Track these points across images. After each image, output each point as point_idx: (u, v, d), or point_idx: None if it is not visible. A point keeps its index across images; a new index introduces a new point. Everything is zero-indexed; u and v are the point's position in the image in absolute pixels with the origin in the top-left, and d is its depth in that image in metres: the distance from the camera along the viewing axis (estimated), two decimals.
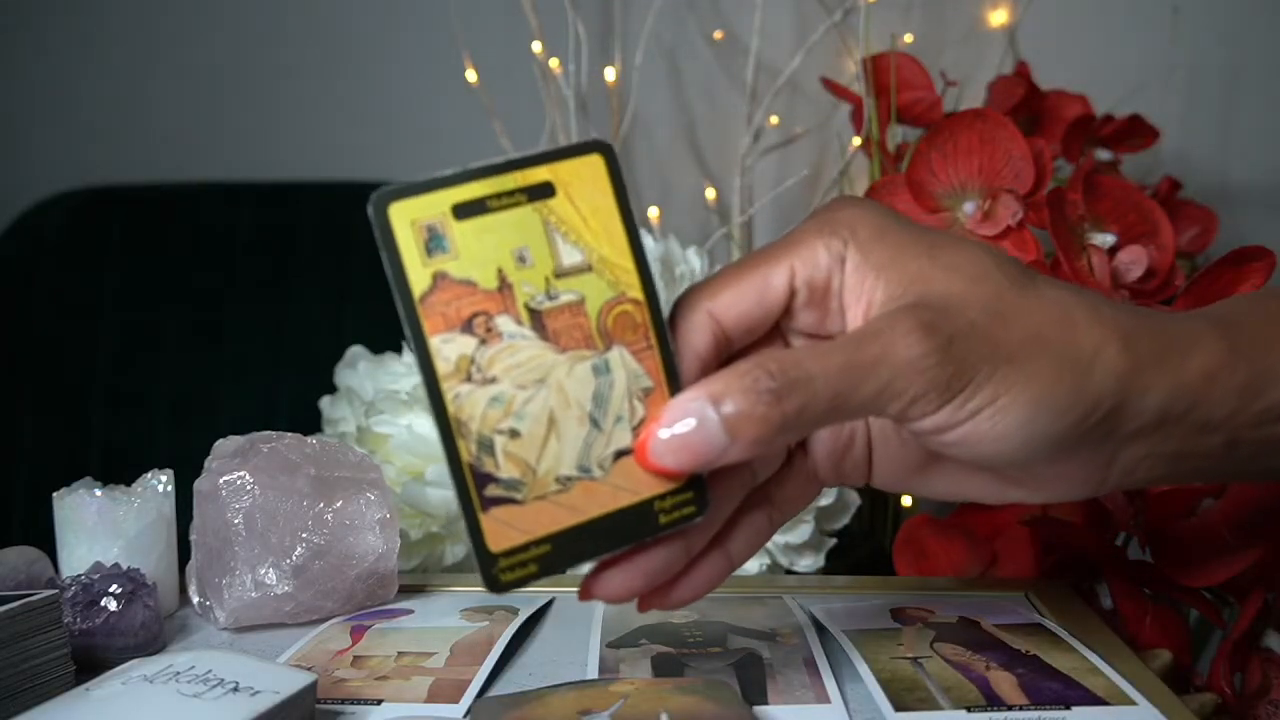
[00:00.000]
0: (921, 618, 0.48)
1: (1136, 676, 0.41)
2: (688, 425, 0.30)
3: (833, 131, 0.92)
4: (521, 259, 0.30)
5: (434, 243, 0.29)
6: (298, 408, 0.91)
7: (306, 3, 1.07)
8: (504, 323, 0.30)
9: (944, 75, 0.76)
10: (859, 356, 0.30)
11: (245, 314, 1.00)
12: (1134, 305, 0.35)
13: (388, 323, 0.78)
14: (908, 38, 0.87)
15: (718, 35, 0.97)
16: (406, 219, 0.29)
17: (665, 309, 0.32)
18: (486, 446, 0.30)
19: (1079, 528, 0.56)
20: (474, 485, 0.30)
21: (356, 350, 0.72)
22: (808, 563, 0.62)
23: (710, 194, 0.96)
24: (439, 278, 0.29)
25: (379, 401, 0.66)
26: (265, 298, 1.00)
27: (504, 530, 0.30)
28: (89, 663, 0.44)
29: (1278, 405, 0.34)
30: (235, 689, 0.36)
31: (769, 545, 0.61)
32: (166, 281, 1.02)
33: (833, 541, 0.64)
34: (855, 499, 0.65)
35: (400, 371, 0.70)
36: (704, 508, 0.32)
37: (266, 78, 1.09)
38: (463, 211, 0.30)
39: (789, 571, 0.62)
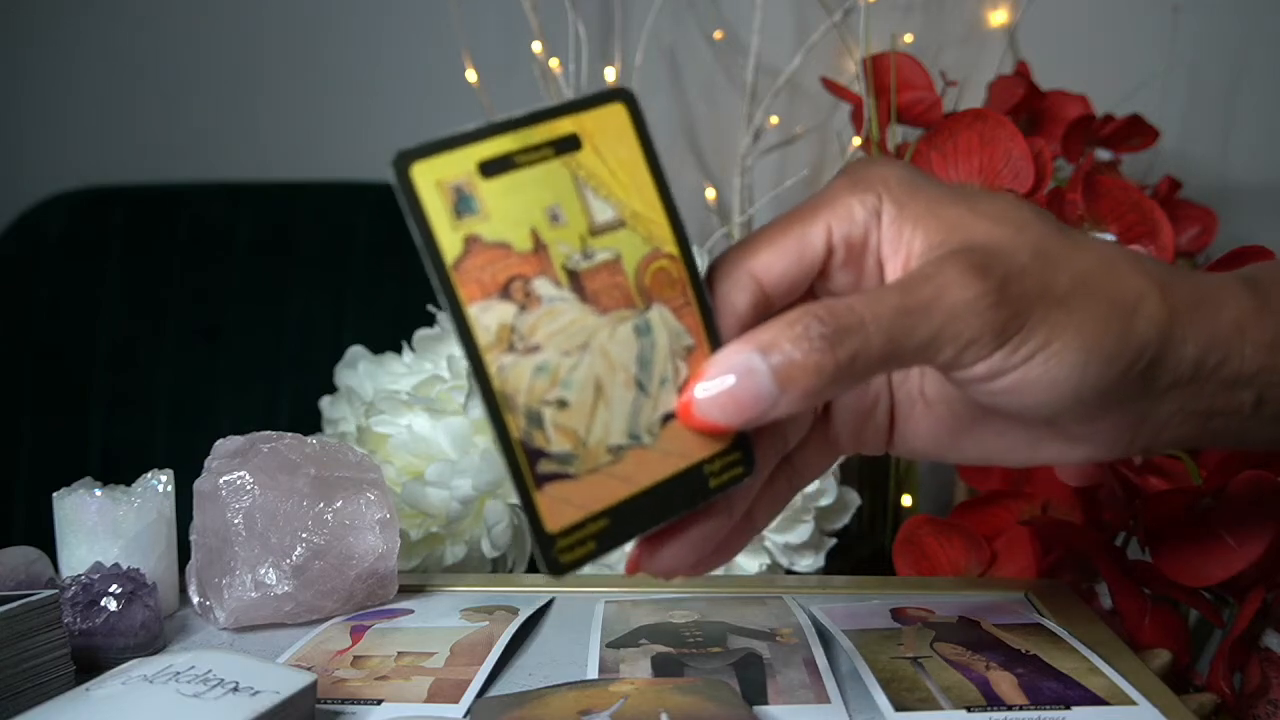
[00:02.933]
0: (921, 618, 0.48)
1: (1136, 676, 0.41)
2: (735, 378, 0.28)
3: (833, 131, 0.92)
4: (555, 217, 0.29)
5: (463, 204, 0.28)
6: (298, 408, 0.91)
7: (307, 3, 1.07)
8: (542, 286, 0.28)
9: (944, 75, 0.76)
10: (912, 300, 0.29)
11: (245, 314, 1.00)
12: (1164, 261, 0.35)
13: (388, 323, 0.78)
14: (908, 38, 0.87)
15: (718, 35, 0.97)
16: (432, 180, 0.27)
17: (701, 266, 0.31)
18: (535, 419, 0.28)
19: (1079, 528, 0.56)
20: (527, 462, 0.28)
21: (356, 350, 0.73)
22: (808, 563, 0.62)
23: (710, 194, 0.96)
24: (471, 241, 0.28)
25: (379, 401, 0.66)
26: (265, 298, 1.00)
27: (560, 507, 0.28)
28: (89, 663, 0.44)
29: None
30: (235, 689, 0.36)
31: (769, 545, 0.61)
32: (166, 281, 1.02)
33: (833, 541, 0.64)
34: (855, 499, 0.65)
35: (400, 371, 0.70)
36: (751, 467, 0.31)
37: (267, 78, 1.09)
38: (490, 169, 0.28)
39: (789, 571, 0.62)
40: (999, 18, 0.89)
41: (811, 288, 0.34)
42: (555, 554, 0.28)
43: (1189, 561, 0.51)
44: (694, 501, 0.30)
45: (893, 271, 0.33)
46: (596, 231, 0.29)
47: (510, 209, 0.28)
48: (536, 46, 0.87)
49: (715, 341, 0.31)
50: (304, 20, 1.08)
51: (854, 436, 0.37)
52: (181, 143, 1.12)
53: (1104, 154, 0.77)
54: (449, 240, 0.27)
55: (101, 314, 1.02)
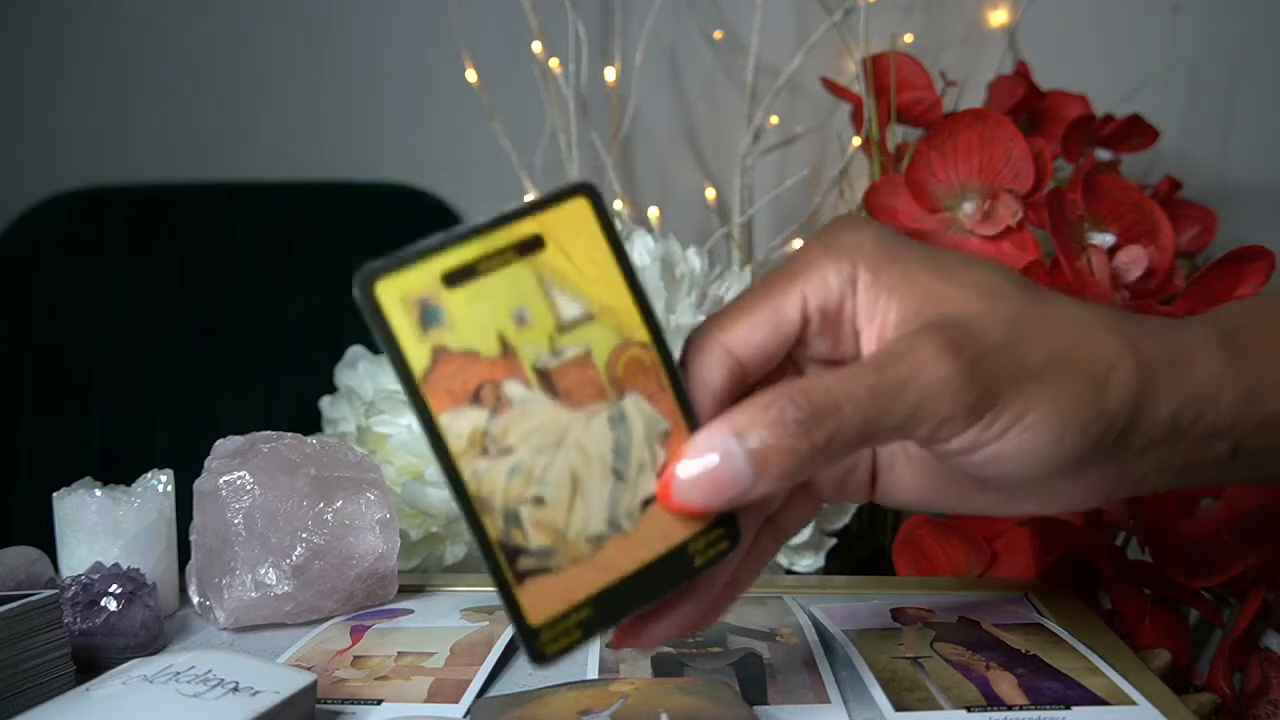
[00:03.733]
0: (921, 618, 0.48)
1: (1136, 676, 0.41)
2: (712, 461, 0.29)
3: (833, 131, 0.92)
4: (521, 319, 0.29)
5: (428, 316, 0.28)
6: (298, 408, 0.91)
7: (307, 3, 1.07)
8: (512, 388, 0.29)
9: (944, 75, 0.76)
10: (886, 380, 0.29)
11: (245, 314, 1.00)
12: (1138, 315, 0.35)
13: None
14: (908, 38, 0.87)
15: (718, 35, 0.97)
16: (396, 296, 0.28)
17: (674, 348, 0.31)
18: (513, 519, 0.29)
19: (1079, 528, 0.56)
20: (506, 561, 0.28)
21: (356, 350, 0.72)
22: (808, 563, 0.62)
23: (710, 194, 0.96)
24: (439, 353, 0.28)
25: (379, 401, 0.66)
26: (265, 298, 1.00)
27: (542, 601, 0.29)
28: (89, 663, 0.44)
29: (1278, 415, 0.34)
30: (235, 689, 0.36)
31: None
32: (166, 281, 1.02)
33: (833, 541, 0.64)
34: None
35: None
36: (736, 540, 0.31)
37: (267, 78, 1.09)
38: (453, 279, 0.28)
39: (789, 571, 0.62)
40: (999, 18, 0.89)
41: (791, 354, 0.34)
42: (539, 646, 0.28)
43: (1189, 561, 0.51)
44: (679, 582, 0.30)
45: (868, 341, 0.33)
46: (564, 328, 0.29)
47: (476, 316, 0.28)
48: (536, 46, 0.87)
49: (693, 424, 0.31)
50: (304, 20, 1.08)
51: (837, 490, 0.37)
52: (181, 143, 1.12)
53: (1104, 154, 0.77)
54: (416, 353, 0.28)
55: (101, 314, 1.02)
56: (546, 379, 0.29)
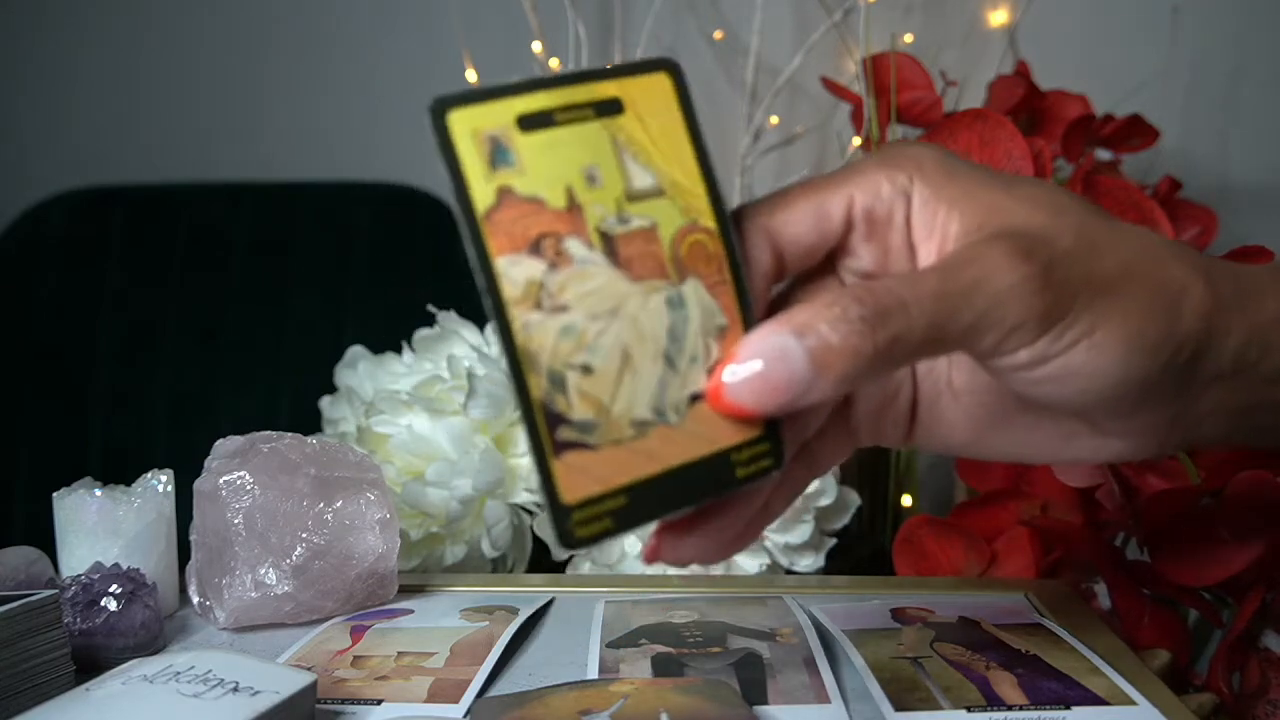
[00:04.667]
0: (921, 618, 0.48)
1: (1136, 676, 0.41)
2: (769, 360, 0.27)
3: (833, 131, 0.92)
4: (591, 178, 0.28)
5: (498, 155, 0.27)
6: (298, 408, 0.91)
7: (306, 3, 1.07)
8: (574, 246, 0.27)
9: (944, 75, 0.76)
10: (955, 283, 0.28)
11: (245, 314, 1.00)
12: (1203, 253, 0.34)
13: (388, 323, 0.78)
14: (908, 38, 0.87)
15: (718, 35, 0.97)
16: (468, 128, 0.27)
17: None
18: (558, 383, 0.27)
19: (1079, 528, 0.56)
20: (546, 427, 0.27)
21: (356, 350, 0.73)
22: (808, 563, 0.62)
23: None
24: (504, 193, 0.27)
25: (379, 401, 0.66)
26: (265, 298, 1.00)
27: (578, 478, 0.27)
28: (89, 663, 0.44)
29: None
30: (235, 689, 0.36)
31: (769, 545, 0.61)
32: (166, 281, 1.02)
33: (833, 541, 0.64)
34: (855, 499, 0.65)
35: (400, 371, 0.70)
36: (781, 460, 0.29)
37: (266, 78, 1.09)
38: (528, 123, 0.27)
39: (789, 571, 0.62)
40: (999, 18, 0.89)
41: (834, 265, 0.33)
42: (571, 526, 0.27)
43: (1189, 561, 0.51)
44: (719, 490, 0.29)
45: (926, 255, 0.31)
46: (633, 197, 0.28)
47: (546, 165, 0.27)
48: (536, 46, 0.87)
49: (749, 324, 0.29)
50: (304, 20, 1.08)
51: (873, 427, 0.35)
52: (181, 143, 1.12)
53: (1104, 154, 0.77)
54: (481, 190, 0.27)
55: (101, 314, 1.02)
56: (610, 243, 0.28)
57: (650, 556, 0.31)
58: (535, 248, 0.27)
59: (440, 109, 0.27)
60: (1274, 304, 0.32)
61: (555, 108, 0.28)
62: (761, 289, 0.30)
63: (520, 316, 0.27)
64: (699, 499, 0.29)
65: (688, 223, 0.29)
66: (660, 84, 0.29)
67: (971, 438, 0.35)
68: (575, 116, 0.28)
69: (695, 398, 0.29)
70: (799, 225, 0.31)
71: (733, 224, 0.30)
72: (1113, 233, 0.31)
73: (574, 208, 0.28)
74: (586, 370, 0.27)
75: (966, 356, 0.31)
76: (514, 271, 0.27)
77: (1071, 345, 0.29)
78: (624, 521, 0.28)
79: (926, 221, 0.31)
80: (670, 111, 0.30)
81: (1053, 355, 0.29)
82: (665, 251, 0.29)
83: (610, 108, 0.29)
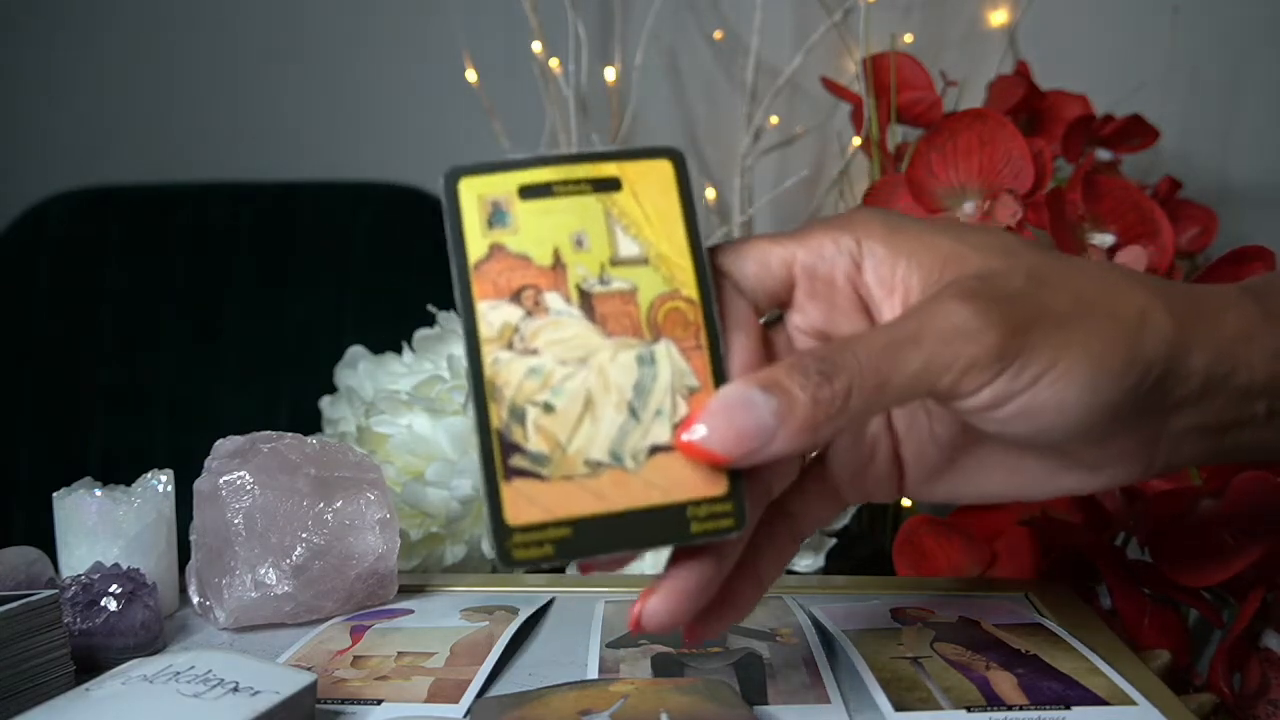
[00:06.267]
0: (921, 618, 0.48)
1: (1136, 676, 0.41)
2: (737, 409, 0.29)
3: (833, 131, 0.92)
4: (579, 243, 0.31)
5: (496, 217, 0.30)
6: (298, 408, 0.91)
7: (308, 3, 1.07)
8: (553, 299, 0.30)
9: (944, 75, 0.76)
10: (902, 330, 0.29)
11: (245, 314, 1.00)
12: (1159, 277, 0.35)
13: (388, 323, 0.78)
14: (908, 38, 0.87)
15: (718, 35, 0.97)
16: (474, 193, 0.30)
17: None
18: (518, 416, 0.29)
19: (1079, 528, 0.56)
20: (499, 452, 0.29)
21: (356, 350, 0.73)
22: (808, 563, 0.62)
23: (710, 194, 0.96)
24: (496, 248, 0.30)
25: (379, 401, 0.66)
26: (265, 298, 1.00)
27: (524, 504, 0.29)
28: (89, 663, 0.44)
29: None
30: (235, 689, 0.36)
31: None
32: (166, 281, 1.02)
33: (833, 541, 0.64)
34: None
35: (400, 371, 0.70)
36: (742, 521, 0.30)
37: (266, 78, 1.09)
38: (528, 193, 0.31)
39: (789, 571, 0.62)
40: (999, 18, 0.89)
41: (787, 328, 0.35)
42: (509, 546, 0.29)
43: (1189, 561, 0.51)
44: (668, 539, 0.30)
45: (890, 311, 0.33)
46: (618, 263, 0.31)
47: (539, 228, 0.30)
48: (536, 46, 0.87)
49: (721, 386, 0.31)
50: (304, 20, 1.08)
51: (858, 486, 0.36)
52: (181, 143, 1.12)
53: (1104, 154, 0.77)
54: (476, 244, 0.30)
55: (101, 314, 1.02)
56: (588, 301, 0.30)
57: (633, 627, 0.32)
58: (516, 297, 0.30)
59: (453, 175, 0.30)
60: (1235, 320, 0.33)
61: (556, 181, 0.31)
62: (746, 317, 0.32)
63: (492, 353, 0.30)
64: (646, 545, 0.30)
65: (669, 290, 0.31)
66: (661, 169, 0.32)
67: (962, 486, 0.36)
68: (573, 190, 0.31)
69: (656, 449, 0.30)
70: (748, 272, 0.33)
71: (715, 297, 0.32)
72: (1067, 267, 0.32)
73: (558, 266, 0.31)
74: (548, 409, 0.30)
75: (945, 409, 0.33)
76: (492, 315, 0.30)
77: (1034, 381, 0.30)
78: (566, 551, 0.29)
79: (885, 279, 0.32)
80: (667, 194, 0.32)
81: (1017, 392, 0.30)
82: (642, 313, 0.31)
83: (608, 185, 0.31)
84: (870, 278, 0.33)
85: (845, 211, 0.34)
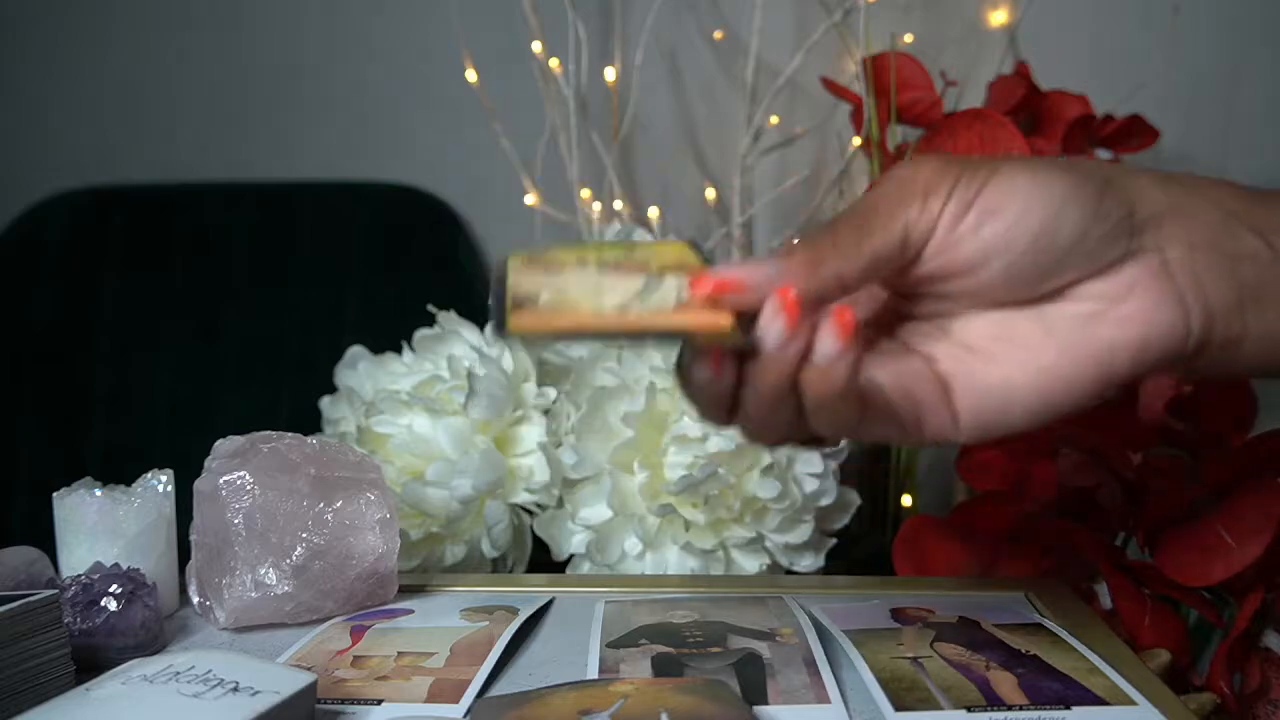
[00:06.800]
0: (921, 618, 0.48)
1: (1136, 676, 0.41)
2: (741, 265, 0.34)
3: (833, 131, 0.92)
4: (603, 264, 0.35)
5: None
6: (298, 408, 0.91)
7: (306, 3, 1.07)
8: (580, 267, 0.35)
9: (944, 75, 0.76)
10: (869, 196, 0.35)
11: (245, 314, 1.00)
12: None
13: (388, 323, 0.78)
14: (908, 38, 0.87)
15: (718, 35, 0.97)
16: (519, 261, 0.35)
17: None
18: (532, 298, 0.34)
19: (1079, 528, 0.56)
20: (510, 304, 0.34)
21: (356, 350, 0.73)
22: (808, 563, 0.62)
23: (710, 194, 0.96)
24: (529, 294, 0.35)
25: (379, 401, 0.66)
26: (265, 298, 1.00)
27: (528, 315, 0.34)
28: (89, 663, 0.44)
29: None
30: (235, 689, 0.36)
31: (769, 545, 0.61)
32: (166, 281, 1.02)
33: (833, 541, 0.64)
34: (855, 499, 0.65)
35: (400, 371, 0.70)
36: (746, 331, 0.34)
37: (266, 78, 1.09)
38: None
39: (789, 571, 0.62)
40: (999, 18, 0.89)
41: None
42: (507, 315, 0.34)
43: (1189, 561, 0.51)
44: (673, 340, 0.35)
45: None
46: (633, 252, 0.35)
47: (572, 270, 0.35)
48: (536, 46, 0.87)
49: None
50: (304, 20, 1.08)
51: (916, 425, 0.36)
52: (181, 143, 1.12)
53: (1104, 154, 0.77)
54: (515, 284, 0.34)
55: (101, 314, 1.02)
56: (604, 263, 0.35)
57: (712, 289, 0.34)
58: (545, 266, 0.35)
59: (506, 256, 0.35)
60: (1210, 190, 0.36)
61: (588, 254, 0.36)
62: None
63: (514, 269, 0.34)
64: (644, 340, 0.35)
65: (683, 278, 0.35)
66: (683, 249, 0.35)
67: (1017, 384, 0.36)
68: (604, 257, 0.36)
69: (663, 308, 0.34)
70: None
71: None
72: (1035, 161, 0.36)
73: (582, 260, 0.35)
74: (560, 292, 0.34)
75: (965, 316, 0.37)
76: (522, 279, 0.34)
77: (980, 191, 0.34)
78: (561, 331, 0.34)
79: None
80: (688, 262, 0.35)
81: (968, 204, 0.34)
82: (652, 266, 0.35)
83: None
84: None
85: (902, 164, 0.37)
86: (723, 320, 0.34)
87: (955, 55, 0.91)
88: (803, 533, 0.61)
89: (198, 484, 0.51)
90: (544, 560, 0.65)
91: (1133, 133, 0.76)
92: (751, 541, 0.61)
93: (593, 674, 0.43)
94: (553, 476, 0.63)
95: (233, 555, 0.49)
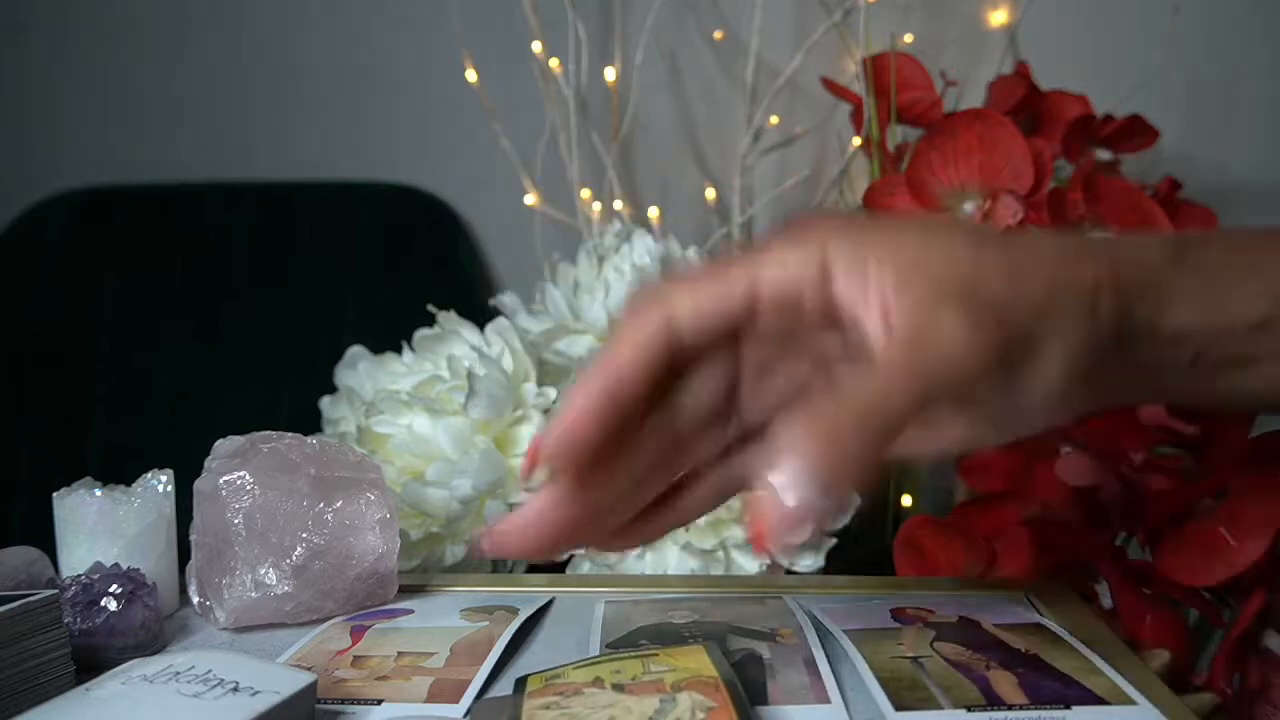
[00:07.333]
0: (921, 618, 0.48)
1: (1136, 676, 0.41)
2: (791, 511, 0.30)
3: (833, 131, 0.92)
4: (618, 672, 0.37)
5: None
6: (298, 408, 0.91)
7: (306, 3, 1.07)
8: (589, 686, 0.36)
9: (944, 75, 0.76)
10: (915, 357, 0.31)
11: (245, 314, 1.00)
12: (1099, 239, 0.37)
13: (388, 323, 0.78)
14: (908, 38, 0.87)
15: (718, 35, 0.97)
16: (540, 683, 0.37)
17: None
18: None
19: (1079, 528, 0.56)
20: None
21: (356, 350, 0.72)
22: (808, 563, 0.62)
23: (710, 194, 0.96)
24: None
25: (379, 401, 0.66)
26: (265, 298, 1.00)
27: None
28: (89, 663, 0.44)
29: (1238, 321, 0.36)
30: (235, 689, 0.36)
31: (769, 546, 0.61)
32: (166, 281, 1.02)
33: (833, 541, 0.64)
34: (855, 499, 0.65)
35: (400, 371, 0.70)
36: None
37: (266, 78, 1.09)
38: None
39: (789, 571, 0.62)
40: (999, 18, 0.89)
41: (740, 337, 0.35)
42: None
43: (1189, 561, 0.51)
44: None
45: (872, 324, 0.33)
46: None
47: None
48: (536, 46, 0.87)
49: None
50: (303, 20, 1.08)
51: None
52: (181, 143, 1.12)
53: (1104, 154, 0.77)
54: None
55: (101, 314, 1.02)
56: (620, 687, 0.36)
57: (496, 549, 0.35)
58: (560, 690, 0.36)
59: (525, 679, 0.38)
60: (1168, 273, 0.36)
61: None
62: (629, 353, 0.33)
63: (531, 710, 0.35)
64: None
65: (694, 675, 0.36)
66: (700, 657, 0.37)
67: (967, 439, 0.37)
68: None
69: None
70: (703, 305, 0.34)
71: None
72: (1029, 255, 0.34)
73: (598, 679, 0.36)
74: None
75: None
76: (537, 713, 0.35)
77: (1026, 372, 0.33)
78: None
79: (857, 282, 0.33)
80: (705, 667, 0.37)
81: (1006, 382, 0.33)
82: (667, 684, 0.35)
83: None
84: (841, 286, 0.33)
85: (797, 222, 0.35)
86: None
87: (955, 55, 0.91)
88: (803, 533, 0.61)
89: (198, 484, 0.51)
90: (544, 560, 0.65)
91: (1133, 133, 0.76)
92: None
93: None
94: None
95: (233, 555, 0.49)
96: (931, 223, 0.35)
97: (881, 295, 0.32)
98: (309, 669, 0.40)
